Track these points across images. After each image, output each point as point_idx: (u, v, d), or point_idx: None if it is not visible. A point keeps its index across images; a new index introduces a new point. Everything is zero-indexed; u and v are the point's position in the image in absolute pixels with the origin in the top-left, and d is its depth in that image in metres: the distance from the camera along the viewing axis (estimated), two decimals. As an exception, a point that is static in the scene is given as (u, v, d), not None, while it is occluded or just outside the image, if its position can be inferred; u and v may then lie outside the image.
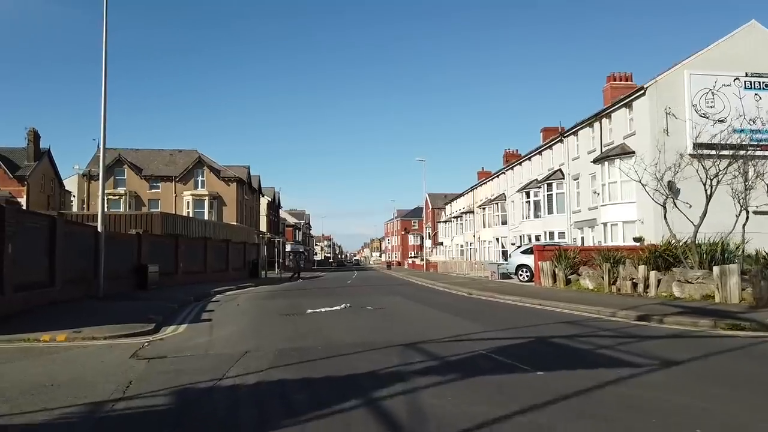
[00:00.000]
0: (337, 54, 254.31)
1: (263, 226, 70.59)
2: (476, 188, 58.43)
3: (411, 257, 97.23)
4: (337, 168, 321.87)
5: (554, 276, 22.29)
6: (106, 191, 52.64)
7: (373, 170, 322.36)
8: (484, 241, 51.50)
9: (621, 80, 35.29)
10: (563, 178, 33.47)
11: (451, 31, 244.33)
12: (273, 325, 12.06)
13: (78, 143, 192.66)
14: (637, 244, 24.18)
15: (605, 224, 26.87)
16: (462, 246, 63.15)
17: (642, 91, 24.39)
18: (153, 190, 53.54)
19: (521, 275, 26.21)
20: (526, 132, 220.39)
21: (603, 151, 27.91)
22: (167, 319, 13.11)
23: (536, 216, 37.89)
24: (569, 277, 21.78)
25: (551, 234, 34.34)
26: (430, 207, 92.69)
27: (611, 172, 26.27)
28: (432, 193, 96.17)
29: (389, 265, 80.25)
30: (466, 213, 60.04)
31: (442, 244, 75.58)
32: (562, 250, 22.68)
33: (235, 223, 48.08)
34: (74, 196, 60.52)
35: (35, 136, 52.16)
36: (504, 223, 46.18)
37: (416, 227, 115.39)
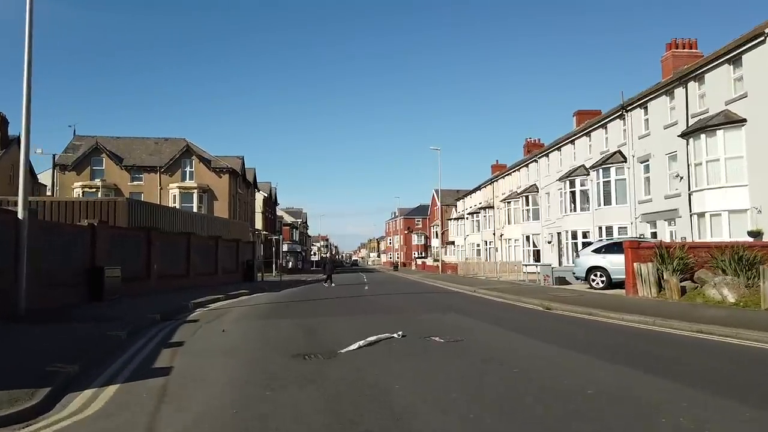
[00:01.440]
0: (335, 57, 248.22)
1: (259, 224, 64.56)
2: (496, 181, 52.55)
3: (417, 257, 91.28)
4: (333, 168, 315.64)
5: (659, 283, 16.40)
6: (80, 183, 46.61)
7: (370, 170, 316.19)
8: (510, 239, 45.60)
9: (684, 47, 29.68)
10: (624, 161, 27.59)
11: (453, 30, 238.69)
12: (286, 390, 6.06)
13: (55, 134, 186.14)
14: (752, 239, 18.40)
15: (700, 215, 20.99)
16: (478, 245, 57.23)
17: (761, 38, 18.50)
18: (135, 182, 47.47)
19: (594, 280, 20.31)
20: (539, 124, 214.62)
21: (692, 123, 22.04)
22: (90, 368, 7.19)
23: (583, 208, 32.00)
24: (682, 284, 15.91)
25: (608, 229, 28.46)
26: (438, 204, 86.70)
27: (710, 148, 20.38)
28: (439, 189, 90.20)
29: (396, 266, 74.17)
30: (484, 208, 54.13)
31: (453, 243, 69.68)
32: (664, 249, 16.80)
33: (227, 218, 41.92)
34: (50, 190, 54.42)
35: (3, 122, 45.73)
36: (536, 218, 40.30)
37: (420, 226, 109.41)
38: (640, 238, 24.36)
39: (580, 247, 31.98)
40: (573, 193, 32.76)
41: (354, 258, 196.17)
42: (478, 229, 57.10)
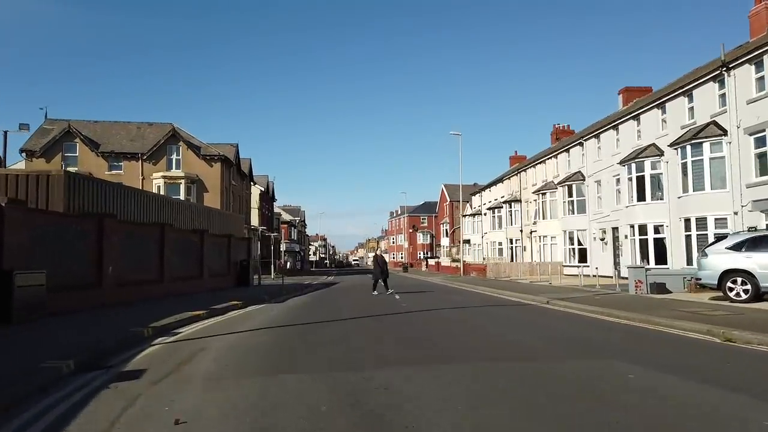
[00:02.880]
0: (334, 58, 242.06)
1: (255, 221, 58.54)
2: (524, 170, 46.53)
3: (425, 257, 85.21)
4: (330, 168, 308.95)
5: None
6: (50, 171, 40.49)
7: (368, 170, 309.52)
8: (544, 236, 39.59)
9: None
10: (723, 135, 21.62)
11: (453, 31, 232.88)
12: None
13: (22, 117, 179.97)
14: None
15: None
16: (500, 244, 51.26)
17: None
18: (113, 171, 41.32)
19: (733, 290, 14.30)
20: (556, 113, 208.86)
21: None
22: None
23: (655, 197, 26.06)
24: None
25: (699, 221, 22.47)
26: (448, 200, 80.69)
27: None
28: (449, 184, 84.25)
29: (405, 267, 67.85)
30: (508, 202, 48.11)
31: (468, 242, 63.59)
32: None
33: (219, 208, 35.70)
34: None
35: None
36: (581, 211, 34.31)
37: (426, 224, 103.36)
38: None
39: (651, 244, 26.08)
40: (641, 179, 26.75)
41: (352, 258, 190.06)
42: (500, 226, 51.12)
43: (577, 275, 31.31)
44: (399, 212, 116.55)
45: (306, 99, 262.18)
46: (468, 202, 68.25)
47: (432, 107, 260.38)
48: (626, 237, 28.54)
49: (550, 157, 40.35)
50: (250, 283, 28.66)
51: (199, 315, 13.13)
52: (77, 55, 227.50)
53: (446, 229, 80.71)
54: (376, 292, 21.33)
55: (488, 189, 58.20)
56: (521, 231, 45.67)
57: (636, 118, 28.46)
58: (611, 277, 29.08)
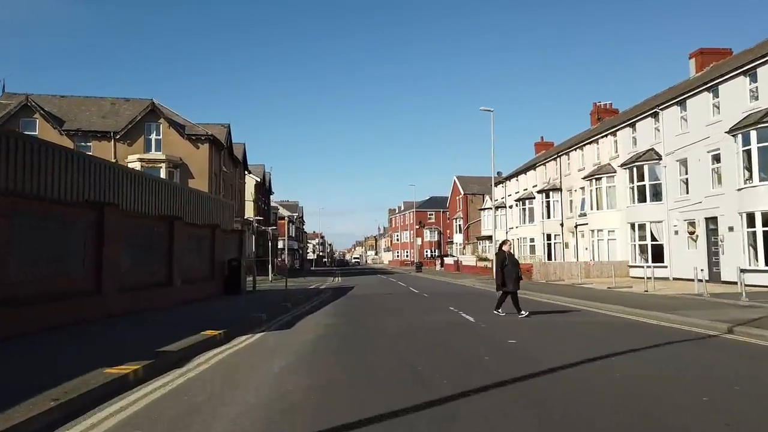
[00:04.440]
0: (332, 52, 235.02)
1: (249, 214, 51.60)
2: (563, 154, 39.76)
3: (433, 255, 78.38)
4: (325, 167, 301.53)
5: None
6: None
7: (365, 168, 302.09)
8: (600, 230, 32.76)
9: None
10: None
11: (461, 17, 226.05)
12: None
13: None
14: None
15: None
16: (533, 240, 44.55)
17: None
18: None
19: None
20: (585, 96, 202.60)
21: None
22: None
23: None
24: None
25: None
26: (462, 192, 73.81)
27: None
28: (462, 175, 77.44)
29: (419, 266, 60.90)
30: (545, 191, 41.30)
31: (489, 238, 56.84)
32: None
33: (207, 191, 28.72)
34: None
35: None
36: (655, 198, 27.58)
37: (433, 220, 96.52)
38: None
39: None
40: (764, 151, 20.05)
41: (352, 257, 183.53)
42: (532, 220, 44.40)
43: (652, 278, 24.86)
44: (402, 208, 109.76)
45: (304, 98, 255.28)
46: (483, 195, 61.51)
47: (432, 100, 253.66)
48: (731, 229, 21.88)
49: (605, 135, 33.54)
50: (242, 290, 21.86)
51: (125, 375, 6.30)
52: (79, 46, 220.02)
53: (459, 225, 73.94)
54: (502, 312, 13.27)
55: (514, 178, 51.44)
56: (562, 225, 38.96)
57: (748, 73, 21.68)
58: (701, 280, 22.52)
